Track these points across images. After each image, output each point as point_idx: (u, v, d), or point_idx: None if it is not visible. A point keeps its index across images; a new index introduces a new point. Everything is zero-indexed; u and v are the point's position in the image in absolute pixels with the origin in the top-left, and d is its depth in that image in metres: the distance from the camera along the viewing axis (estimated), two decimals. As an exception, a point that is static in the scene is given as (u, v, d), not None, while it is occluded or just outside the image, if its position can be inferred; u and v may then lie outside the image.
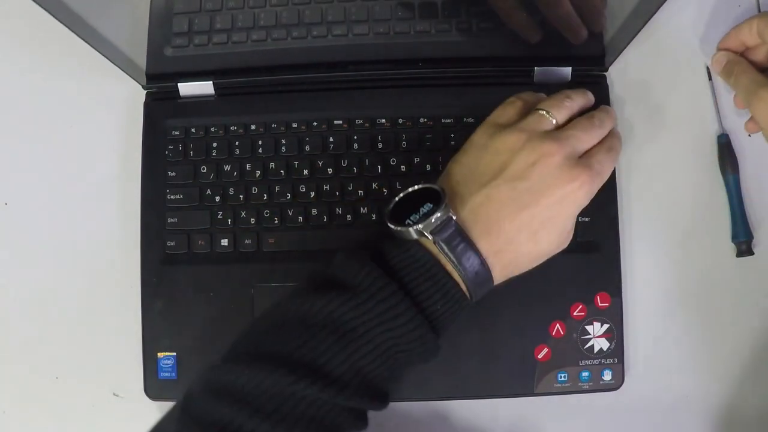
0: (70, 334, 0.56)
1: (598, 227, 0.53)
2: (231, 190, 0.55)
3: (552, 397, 0.52)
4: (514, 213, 0.43)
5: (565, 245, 0.46)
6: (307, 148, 0.55)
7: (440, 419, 0.54)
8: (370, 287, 0.41)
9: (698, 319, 0.55)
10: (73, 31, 0.48)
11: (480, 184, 0.44)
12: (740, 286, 0.55)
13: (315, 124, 0.55)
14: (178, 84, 0.56)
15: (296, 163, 0.55)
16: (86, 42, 0.49)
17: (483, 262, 0.42)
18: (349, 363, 0.40)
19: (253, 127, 0.56)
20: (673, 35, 0.58)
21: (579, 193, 0.44)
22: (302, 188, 0.55)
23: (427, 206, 0.43)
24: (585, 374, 0.52)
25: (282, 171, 0.55)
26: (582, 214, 0.52)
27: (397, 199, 0.45)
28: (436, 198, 0.43)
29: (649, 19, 0.49)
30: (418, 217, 0.43)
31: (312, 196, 0.54)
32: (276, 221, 0.54)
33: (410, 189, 0.45)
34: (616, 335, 0.52)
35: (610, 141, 0.47)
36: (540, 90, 0.55)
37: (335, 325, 0.41)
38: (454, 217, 0.42)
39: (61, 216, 0.58)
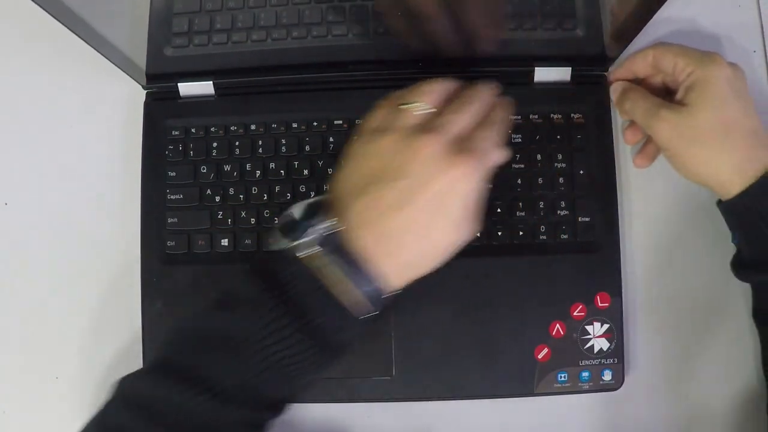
0: (70, 334, 0.56)
1: (598, 227, 0.53)
2: (231, 190, 0.55)
3: (552, 397, 0.52)
4: (397, 212, 0.41)
5: (468, 234, 0.44)
6: (307, 148, 0.55)
7: (440, 419, 0.54)
8: (256, 303, 0.41)
9: (699, 319, 0.55)
10: (73, 31, 0.48)
11: (361, 191, 0.42)
12: (741, 286, 0.55)
13: (315, 124, 0.55)
14: (178, 84, 0.56)
15: (296, 163, 0.55)
16: (86, 42, 0.49)
17: (372, 271, 0.41)
18: (239, 376, 0.41)
19: (253, 127, 0.56)
20: (673, 35, 0.57)
21: (462, 180, 0.42)
22: (302, 188, 0.55)
23: (316, 220, 0.42)
24: (585, 374, 0.52)
25: (282, 171, 0.55)
26: (582, 213, 0.53)
27: (287, 214, 0.44)
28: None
29: (650, 19, 0.49)
30: (303, 232, 0.42)
31: (312, 196, 0.54)
32: (276, 221, 0.54)
33: (296, 205, 0.44)
34: (616, 335, 0.52)
35: (492, 115, 0.46)
36: (539, 90, 0.55)
37: (228, 340, 0.41)
38: (338, 229, 0.42)
39: (61, 216, 0.58)
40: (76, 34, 0.48)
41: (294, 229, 0.42)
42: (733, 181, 0.48)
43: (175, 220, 0.55)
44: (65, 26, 0.47)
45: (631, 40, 0.52)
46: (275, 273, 0.42)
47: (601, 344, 0.52)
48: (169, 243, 0.55)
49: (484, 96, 0.46)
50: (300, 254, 0.41)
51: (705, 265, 0.55)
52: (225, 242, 0.55)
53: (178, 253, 0.54)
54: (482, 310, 0.53)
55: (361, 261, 0.41)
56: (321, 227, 0.42)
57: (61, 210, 0.58)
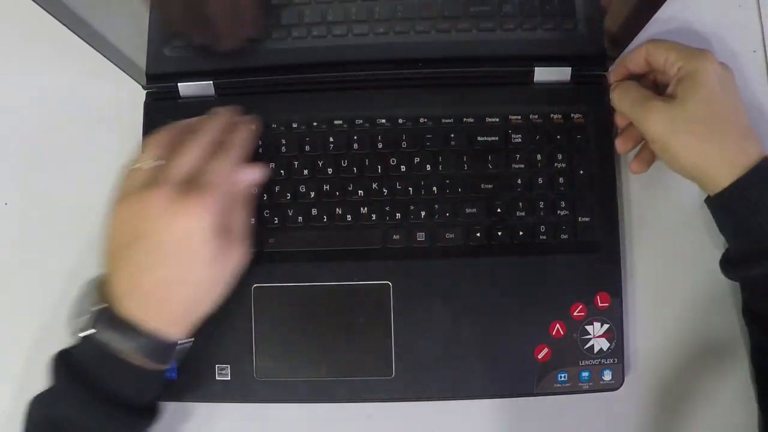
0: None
1: (598, 227, 0.53)
2: (231, 190, 0.55)
3: (552, 397, 0.52)
4: (148, 272, 0.44)
5: (234, 262, 0.48)
6: (307, 148, 0.55)
7: (440, 419, 0.54)
8: (66, 390, 0.45)
9: (699, 319, 0.55)
10: (73, 31, 0.48)
11: (117, 259, 0.46)
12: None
13: (315, 124, 0.55)
14: (178, 84, 0.56)
15: (296, 163, 0.55)
16: (86, 42, 0.49)
17: (147, 331, 0.45)
18: None
19: (252, 127, 0.56)
20: (673, 35, 0.57)
21: (196, 219, 0.44)
22: (302, 188, 0.55)
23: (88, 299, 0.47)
24: (585, 374, 0.52)
25: (282, 171, 0.55)
26: (582, 213, 0.53)
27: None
28: None
29: (650, 19, 0.49)
30: (81, 313, 0.46)
31: (312, 196, 0.54)
32: (276, 221, 0.54)
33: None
34: (616, 335, 0.52)
35: (227, 140, 0.49)
36: (539, 90, 0.55)
37: (52, 420, 0.45)
38: (102, 306, 0.45)
39: (61, 216, 0.58)
40: (76, 34, 0.48)
41: (77, 310, 0.47)
42: (723, 173, 0.48)
43: (175, 220, 0.55)
44: (65, 26, 0.47)
45: (631, 40, 0.52)
46: (71, 355, 0.46)
47: (601, 344, 0.52)
48: (169, 243, 0.55)
49: (211, 127, 0.49)
50: (81, 334, 0.45)
51: (705, 264, 0.55)
52: (225, 242, 0.55)
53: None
54: (482, 310, 0.53)
55: (133, 326, 0.44)
56: (91, 306, 0.46)
57: (61, 210, 0.58)
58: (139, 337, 0.45)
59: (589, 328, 0.52)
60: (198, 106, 0.56)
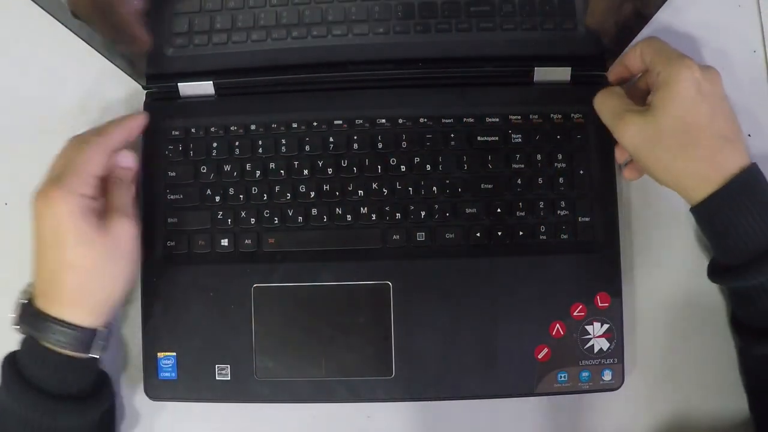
0: None
1: (598, 227, 0.53)
2: (231, 190, 0.55)
3: (552, 397, 0.52)
4: (42, 262, 0.48)
5: (122, 239, 0.49)
6: (307, 148, 0.55)
7: (442, 420, 0.54)
8: (9, 388, 0.48)
9: (699, 319, 0.55)
10: (72, 31, 0.48)
11: (34, 259, 0.49)
12: None
13: (315, 124, 0.55)
14: (178, 84, 0.56)
15: (296, 163, 0.55)
16: (86, 42, 0.49)
17: (57, 321, 0.47)
18: None
19: (253, 127, 0.56)
20: (673, 35, 0.57)
21: (59, 205, 0.47)
22: (302, 188, 0.55)
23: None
24: (585, 374, 0.52)
25: (282, 171, 0.55)
26: (582, 213, 0.53)
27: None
28: None
29: (650, 19, 0.49)
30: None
31: (312, 196, 0.55)
32: (276, 221, 0.54)
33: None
34: (616, 335, 0.52)
35: (98, 131, 0.51)
36: (539, 90, 0.55)
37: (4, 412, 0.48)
38: (22, 301, 0.49)
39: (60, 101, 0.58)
40: (76, 35, 0.48)
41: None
42: (698, 187, 0.47)
43: (175, 220, 0.55)
44: (65, 26, 0.47)
45: (631, 41, 0.52)
46: (16, 354, 0.49)
47: (601, 344, 0.52)
48: (169, 243, 0.55)
49: (96, 146, 0.50)
50: (16, 328, 0.49)
51: (705, 264, 0.55)
52: (225, 242, 0.55)
53: (179, 254, 0.55)
54: (482, 309, 0.53)
55: (44, 316, 0.47)
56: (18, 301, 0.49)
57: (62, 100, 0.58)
58: (53, 327, 0.47)
59: (589, 328, 0.52)
60: (198, 106, 0.56)
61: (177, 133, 0.56)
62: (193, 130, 0.56)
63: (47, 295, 0.48)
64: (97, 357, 0.49)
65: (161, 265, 0.54)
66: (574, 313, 0.52)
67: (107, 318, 0.50)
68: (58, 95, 0.59)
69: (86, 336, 0.48)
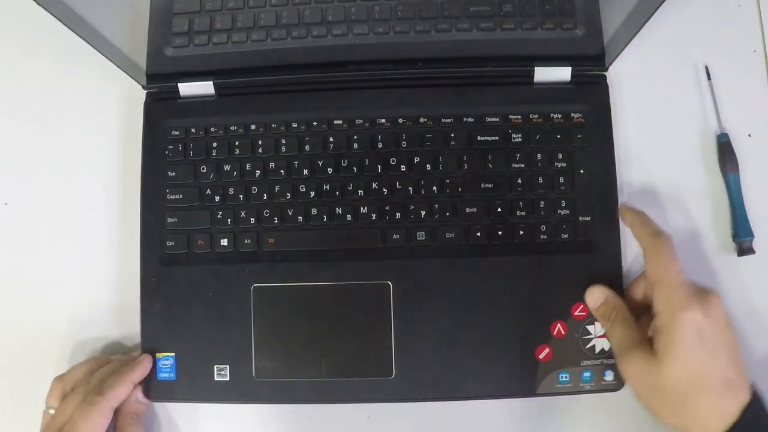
0: (70, 334, 0.56)
1: (598, 227, 0.53)
2: (231, 190, 0.55)
3: (553, 397, 0.52)
4: None
5: None
6: (307, 147, 0.55)
7: (442, 420, 0.54)
8: None
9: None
10: (73, 31, 0.48)
11: None
12: (741, 285, 0.55)
13: (315, 123, 0.55)
14: (178, 84, 0.56)
15: (296, 163, 0.55)
16: (86, 42, 0.49)
17: None
18: None
19: (253, 126, 0.56)
20: (673, 35, 0.58)
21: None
22: (302, 188, 0.55)
23: None
24: (586, 375, 0.52)
25: (282, 171, 0.55)
26: (582, 213, 0.52)
27: None
28: None
29: (649, 18, 0.49)
30: None
31: (312, 195, 0.54)
32: (276, 221, 0.54)
33: None
34: (617, 335, 0.52)
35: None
36: (540, 90, 0.55)
37: None
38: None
39: (61, 216, 0.58)
40: (77, 34, 0.48)
41: None
42: None
43: (175, 220, 0.55)
44: (65, 26, 0.47)
45: (631, 40, 0.52)
46: None
47: (603, 344, 0.52)
48: (169, 243, 0.55)
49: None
50: None
51: (706, 264, 0.55)
52: (225, 242, 0.54)
53: (178, 253, 0.54)
54: (483, 309, 0.53)
55: None
56: None
57: (61, 210, 0.58)
58: None
59: (590, 328, 0.52)
60: (198, 106, 0.56)
61: (177, 133, 0.56)
62: (193, 130, 0.56)
63: None
64: None
65: (160, 265, 0.54)
66: (575, 313, 0.52)
67: None
68: (58, 95, 0.59)
69: None
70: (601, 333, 0.52)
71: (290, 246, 0.54)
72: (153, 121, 0.56)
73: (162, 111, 0.56)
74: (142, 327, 0.54)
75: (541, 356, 0.52)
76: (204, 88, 0.56)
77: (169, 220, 0.55)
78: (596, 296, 0.51)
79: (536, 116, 0.55)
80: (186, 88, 0.56)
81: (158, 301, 0.54)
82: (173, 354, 0.53)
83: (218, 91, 0.56)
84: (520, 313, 0.52)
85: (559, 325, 0.52)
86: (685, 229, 0.56)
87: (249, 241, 0.54)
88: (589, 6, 0.55)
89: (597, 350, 0.52)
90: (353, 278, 0.53)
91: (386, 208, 0.54)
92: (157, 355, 0.53)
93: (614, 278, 0.53)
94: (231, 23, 0.56)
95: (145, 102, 0.57)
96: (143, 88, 0.57)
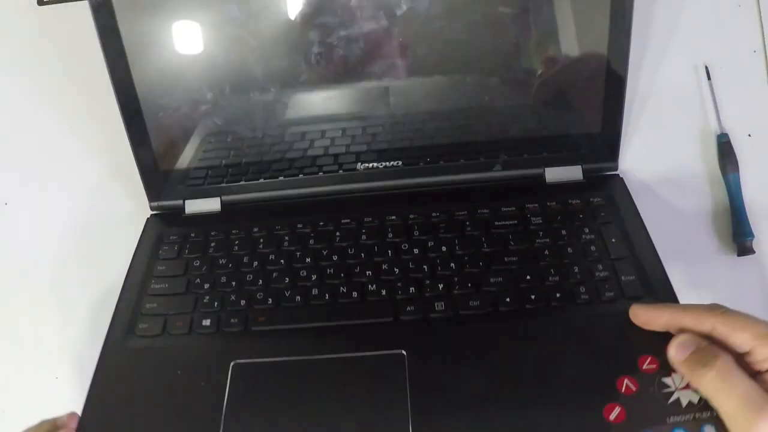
0: (69, 334, 0.53)
1: (644, 281, 0.45)
2: (222, 279, 0.49)
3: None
4: None
5: None
6: (311, 242, 0.51)
7: None
8: None
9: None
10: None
11: None
12: (742, 285, 0.51)
13: (321, 224, 0.52)
14: (185, 201, 0.55)
15: (298, 254, 0.50)
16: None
17: None
18: None
19: (255, 229, 0.53)
20: (674, 35, 0.58)
21: None
22: (303, 273, 0.49)
23: None
24: (679, 433, 0.37)
25: (282, 260, 0.50)
26: (625, 274, 0.46)
27: None
28: None
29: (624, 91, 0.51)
30: None
31: (313, 279, 0.48)
32: (269, 302, 0.47)
33: None
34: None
35: None
36: (554, 188, 0.53)
37: None
38: None
39: (60, 216, 0.57)
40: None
41: None
42: None
43: (155, 305, 0.48)
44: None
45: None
46: None
47: (690, 397, 0.39)
48: (142, 326, 0.46)
49: None
50: None
51: (706, 264, 0.52)
52: (207, 322, 0.46)
53: (149, 336, 0.46)
54: (523, 378, 0.41)
55: None
56: None
57: (61, 210, 0.57)
58: None
59: (667, 380, 0.39)
60: (202, 220, 0.54)
61: (175, 237, 0.53)
62: (192, 235, 0.53)
63: None
64: None
65: (122, 343, 0.45)
66: (644, 366, 0.40)
67: None
68: (58, 95, 0.60)
69: None
70: (684, 384, 0.39)
71: (284, 323, 0.46)
72: (152, 234, 0.54)
73: (163, 223, 0.54)
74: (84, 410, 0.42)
75: (611, 417, 0.38)
76: (210, 204, 0.55)
77: (148, 306, 0.48)
78: (687, 345, 0.39)
79: (553, 203, 0.52)
80: (192, 206, 0.55)
81: (109, 383, 0.43)
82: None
83: (224, 207, 0.55)
84: (572, 375, 0.41)
85: (626, 380, 0.40)
86: (684, 229, 0.53)
87: (236, 320, 0.46)
88: (592, 106, 0.54)
89: (684, 404, 0.38)
90: (360, 348, 0.43)
91: (398, 284, 0.47)
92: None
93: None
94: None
95: (147, 219, 0.55)
96: (149, 203, 0.55)
